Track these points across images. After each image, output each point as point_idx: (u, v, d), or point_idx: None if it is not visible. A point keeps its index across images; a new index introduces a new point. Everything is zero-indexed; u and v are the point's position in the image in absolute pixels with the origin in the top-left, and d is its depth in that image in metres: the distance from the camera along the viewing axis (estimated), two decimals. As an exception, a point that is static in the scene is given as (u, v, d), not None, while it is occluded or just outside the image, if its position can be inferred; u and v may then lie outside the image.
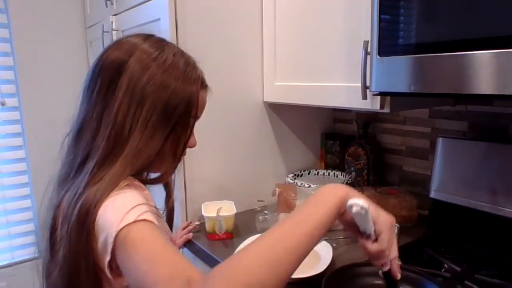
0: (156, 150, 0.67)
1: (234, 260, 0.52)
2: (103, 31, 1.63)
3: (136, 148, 0.65)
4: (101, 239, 0.58)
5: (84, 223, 0.59)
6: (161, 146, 0.68)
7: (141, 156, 0.65)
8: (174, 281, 0.50)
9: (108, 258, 0.57)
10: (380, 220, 0.65)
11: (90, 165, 0.64)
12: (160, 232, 0.58)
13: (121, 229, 0.55)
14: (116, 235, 0.55)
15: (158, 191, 0.82)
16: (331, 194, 0.61)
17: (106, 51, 0.69)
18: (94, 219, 0.58)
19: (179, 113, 0.68)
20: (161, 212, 0.81)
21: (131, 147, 0.64)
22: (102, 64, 0.68)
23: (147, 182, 0.71)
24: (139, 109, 0.65)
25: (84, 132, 0.67)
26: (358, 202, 0.59)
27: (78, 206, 0.60)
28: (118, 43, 0.70)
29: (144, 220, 0.58)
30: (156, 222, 0.59)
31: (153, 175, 0.76)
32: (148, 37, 0.71)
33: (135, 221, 0.56)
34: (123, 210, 0.58)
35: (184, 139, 0.72)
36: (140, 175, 0.69)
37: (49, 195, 0.70)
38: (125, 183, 0.63)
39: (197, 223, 1.29)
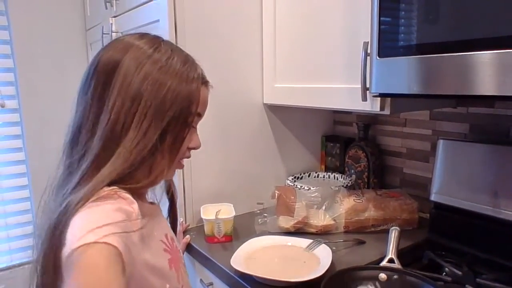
0: (148, 148, 0.64)
1: None
2: (103, 33, 1.63)
3: (130, 146, 0.62)
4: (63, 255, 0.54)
5: (55, 230, 0.56)
6: (155, 144, 0.64)
7: (133, 154, 0.63)
8: None
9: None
10: None
11: (83, 167, 0.62)
12: (116, 263, 0.52)
13: (77, 248, 0.51)
14: (72, 252, 0.51)
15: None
16: None
17: (100, 52, 0.68)
18: (64, 231, 0.55)
19: (176, 110, 0.66)
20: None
21: (125, 145, 0.62)
22: (96, 64, 0.66)
23: (139, 188, 0.67)
24: (134, 107, 0.63)
25: (81, 135, 0.66)
26: None
27: (56, 214, 0.57)
28: (112, 43, 0.69)
29: (105, 243, 0.52)
30: (120, 248, 0.53)
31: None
32: (143, 35, 0.69)
33: (95, 242, 0.51)
34: (88, 226, 0.53)
35: (181, 138, 0.69)
36: (135, 181, 0.65)
37: (45, 199, 0.68)
38: (106, 192, 0.59)
39: (181, 219, 1.27)
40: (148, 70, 0.64)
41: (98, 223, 0.54)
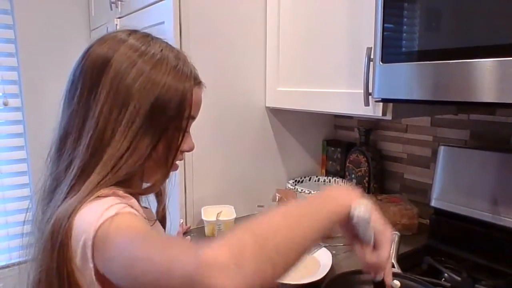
0: (143, 157, 0.60)
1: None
2: (107, 34, 1.64)
3: (116, 154, 0.58)
4: (79, 250, 0.52)
5: (56, 239, 0.54)
6: (147, 154, 0.61)
7: (125, 163, 0.58)
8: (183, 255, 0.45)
9: (91, 265, 0.51)
10: (385, 233, 0.61)
11: (69, 176, 0.59)
12: (148, 224, 0.53)
13: (101, 224, 0.50)
14: (96, 233, 0.50)
15: (152, 197, 0.79)
16: (345, 196, 0.59)
17: (87, 50, 0.63)
18: (69, 233, 0.53)
19: (170, 113, 0.62)
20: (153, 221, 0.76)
21: (111, 153, 0.58)
22: (83, 64, 0.62)
23: (135, 193, 0.63)
24: (123, 111, 0.59)
25: (67, 142, 0.62)
26: (362, 207, 0.57)
27: (51, 222, 0.55)
28: (100, 40, 0.64)
29: (128, 212, 0.53)
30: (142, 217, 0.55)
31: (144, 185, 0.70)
32: (132, 31, 0.65)
33: (117, 214, 0.52)
34: (102, 208, 0.52)
35: (176, 144, 0.65)
36: (128, 185, 0.61)
37: (33, 212, 0.66)
38: (104, 192, 0.57)
39: (181, 220, 1.27)
40: (139, 69, 0.60)
41: (108, 204, 0.53)
